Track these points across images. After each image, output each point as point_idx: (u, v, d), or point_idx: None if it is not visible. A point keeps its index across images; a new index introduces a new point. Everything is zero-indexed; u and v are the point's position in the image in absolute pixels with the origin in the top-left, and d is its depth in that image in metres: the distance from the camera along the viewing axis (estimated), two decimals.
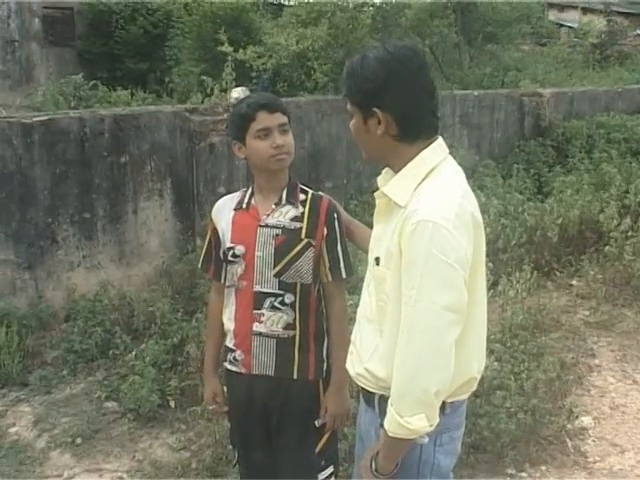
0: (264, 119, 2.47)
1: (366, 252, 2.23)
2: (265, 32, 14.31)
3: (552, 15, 31.70)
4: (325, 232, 2.54)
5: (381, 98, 1.94)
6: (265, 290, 2.53)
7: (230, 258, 2.57)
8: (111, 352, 4.82)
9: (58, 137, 5.28)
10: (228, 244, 2.58)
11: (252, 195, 2.61)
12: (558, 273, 6.54)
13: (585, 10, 32.08)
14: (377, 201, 2.10)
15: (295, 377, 2.58)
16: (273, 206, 2.55)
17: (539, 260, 6.43)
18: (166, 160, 5.92)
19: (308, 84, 11.90)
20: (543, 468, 3.83)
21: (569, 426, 4.14)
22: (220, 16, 13.96)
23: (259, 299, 2.54)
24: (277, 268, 2.51)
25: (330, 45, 12.42)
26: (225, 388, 2.78)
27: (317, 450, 2.66)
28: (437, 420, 1.87)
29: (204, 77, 7.91)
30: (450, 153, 2.05)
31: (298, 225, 2.53)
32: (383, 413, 1.93)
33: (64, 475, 3.82)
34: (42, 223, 5.26)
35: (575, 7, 32.81)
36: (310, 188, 2.66)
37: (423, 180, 1.95)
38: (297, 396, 2.59)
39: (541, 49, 23.28)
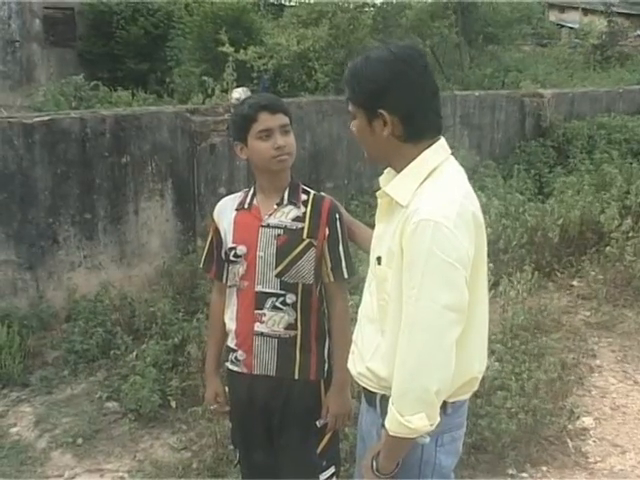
0: (265, 120, 2.48)
1: (367, 252, 2.23)
2: (266, 32, 14.30)
3: (553, 16, 31.70)
4: (327, 232, 2.54)
5: (387, 99, 1.93)
6: (267, 290, 2.53)
7: (232, 258, 2.57)
8: (112, 352, 4.82)
9: (59, 137, 5.28)
10: (230, 244, 2.58)
11: (254, 195, 2.61)
12: (559, 274, 6.54)
13: (586, 11, 32.07)
14: (379, 201, 2.10)
15: (296, 377, 2.58)
16: (275, 206, 2.55)
17: (540, 261, 6.43)
18: (167, 160, 5.93)
19: (309, 84, 11.90)
20: (544, 468, 3.83)
21: (570, 426, 4.14)
22: (221, 16, 13.96)
23: (261, 299, 2.54)
24: (279, 268, 2.52)
25: (331, 45, 12.42)
26: (226, 388, 2.78)
27: (319, 450, 2.66)
28: (438, 419, 1.88)
29: (205, 77, 7.91)
30: (451, 154, 2.05)
31: (300, 225, 2.53)
32: (384, 413, 1.93)
33: (65, 475, 3.82)
34: (43, 223, 5.26)
35: (576, 8, 32.80)
36: (311, 189, 2.66)
37: (425, 180, 1.95)
38: (298, 396, 2.59)
39: (542, 50, 23.27)
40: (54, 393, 4.64)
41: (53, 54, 19.14)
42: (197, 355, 4.44)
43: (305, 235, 2.52)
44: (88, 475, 3.83)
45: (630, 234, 6.34)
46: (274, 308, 2.53)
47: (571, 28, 28.48)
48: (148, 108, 7.23)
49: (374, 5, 15.56)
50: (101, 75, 15.28)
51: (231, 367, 2.67)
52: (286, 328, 2.54)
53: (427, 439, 1.94)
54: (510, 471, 3.77)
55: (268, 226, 2.53)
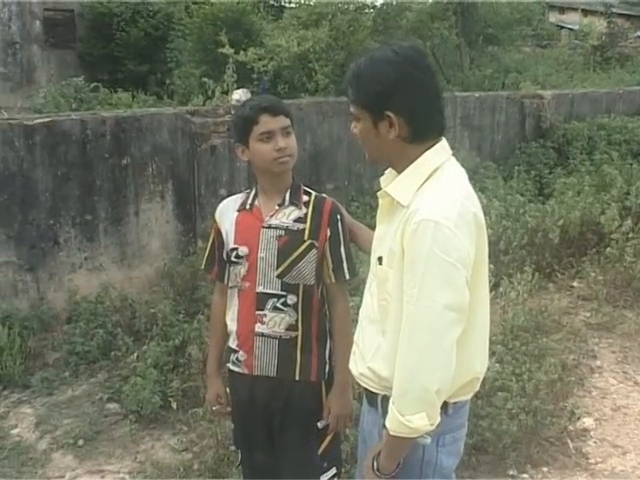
0: (267, 122, 2.48)
1: (368, 254, 2.23)
2: (266, 34, 14.29)
3: (553, 17, 31.69)
4: (328, 233, 2.55)
5: (393, 101, 1.93)
6: (268, 291, 2.53)
7: (233, 259, 2.58)
8: (113, 354, 4.82)
9: (60, 139, 5.29)
10: (232, 245, 2.58)
11: (255, 196, 2.62)
12: (559, 275, 6.55)
13: (585, 12, 32.07)
14: (380, 201, 2.10)
15: (297, 378, 2.58)
16: (276, 207, 2.55)
17: (540, 262, 6.43)
18: (167, 162, 5.94)
19: (309, 86, 11.88)
20: (544, 469, 3.83)
21: (570, 427, 4.14)
22: (221, 18, 13.95)
23: (262, 300, 2.54)
24: (280, 269, 2.52)
25: (331, 47, 12.40)
26: (228, 389, 2.78)
27: (320, 452, 2.66)
28: (438, 419, 1.88)
29: (205, 79, 7.90)
30: (452, 155, 2.05)
31: (301, 226, 2.53)
32: (386, 413, 1.93)
33: (66, 476, 3.82)
34: (44, 225, 5.27)
35: (575, 9, 32.80)
36: (312, 190, 2.66)
37: (426, 180, 1.95)
38: (299, 397, 2.59)
39: (542, 51, 23.27)
40: (55, 394, 4.64)
41: (53, 56, 19.13)
42: (198, 356, 4.44)
43: (306, 236, 2.53)
44: (89, 476, 3.83)
45: (630, 235, 6.34)
46: (275, 309, 2.53)
47: (571, 29, 28.48)
48: (148, 110, 7.23)
49: (374, 7, 15.56)
50: (101, 77, 15.26)
51: (232, 368, 2.67)
52: (287, 329, 2.54)
53: (428, 439, 1.94)
54: (511, 472, 3.77)
55: (269, 227, 2.53)
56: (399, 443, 1.93)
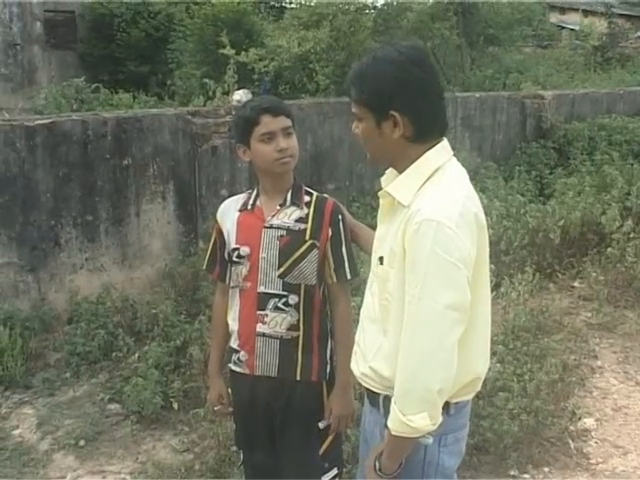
0: (268, 123, 2.48)
1: (369, 254, 2.23)
2: (267, 35, 14.29)
3: (553, 17, 31.69)
4: (330, 233, 2.55)
5: (398, 100, 1.92)
6: (269, 291, 2.54)
7: (235, 259, 2.58)
8: (114, 354, 4.82)
9: (61, 140, 5.29)
10: (233, 245, 2.59)
11: (257, 196, 2.62)
12: (560, 275, 6.55)
13: (586, 12, 32.06)
14: (380, 201, 2.10)
15: (298, 378, 2.58)
16: (278, 207, 2.56)
17: (541, 262, 6.43)
18: (168, 163, 5.94)
19: (310, 86, 11.88)
20: (546, 469, 3.83)
21: (572, 428, 4.14)
22: (222, 19, 13.95)
23: (263, 300, 2.55)
24: (281, 269, 2.52)
25: (332, 47, 12.39)
26: (229, 389, 2.78)
27: (321, 452, 2.66)
28: (440, 419, 1.88)
29: (206, 80, 7.91)
30: (453, 155, 2.05)
31: (302, 226, 2.54)
32: (388, 413, 1.93)
33: (67, 477, 3.82)
34: (45, 226, 5.27)
35: (576, 9, 32.80)
36: (313, 190, 2.67)
37: (427, 180, 1.95)
38: (300, 397, 2.59)
39: (542, 51, 23.26)
40: (56, 395, 4.65)
41: (54, 57, 19.14)
42: (199, 357, 4.45)
43: (308, 236, 2.53)
44: (90, 477, 3.83)
45: (631, 235, 6.34)
46: (276, 309, 2.54)
47: (572, 29, 28.47)
48: (149, 110, 7.23)
49: (375, 7, 15.56)
50: (102, 77, 15.26)
51: (234, 368, 2.67)
52: (288, 329, 2.55)
53: (430, 440, 1.94)
54: (512, 472, 3.77)
55: (271, 227, 2.54)
56: (401, 443, 1.93)
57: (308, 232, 2.53)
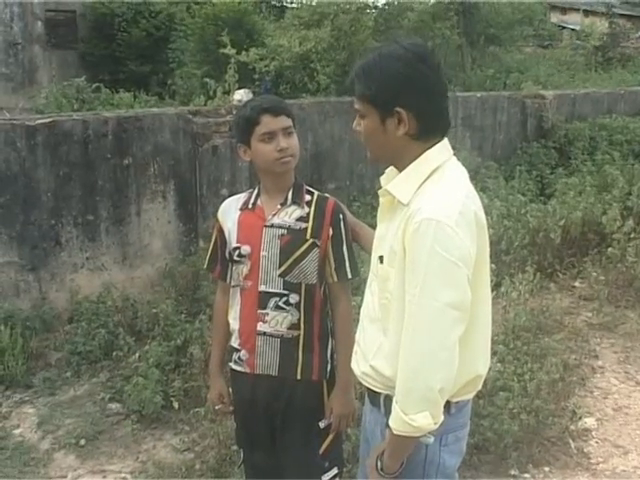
0: (268, 122, 2.48)
1: (370, 253, 2.22)
2: (268, 34, 14.29)
3: (554, 17, 31.69)
4: (330, 233, 2.55)
5: (403, 96, 1.92)
6: (270, 290, 2.54)
7: (236, 258, 2.58)
8: (115, 354, 4.82)
9: (61, 139, 5.30)
10: (234, 244, 2.59)
11: (258, 196, 2.62)
12: (561, 275, 6.55)
13: (587, 12, 32.07)
14: (380, 200, 2.10)
15: (299, 377, 2.58)
16: (279, 206, 2.56)
17: (542, 262, 6.43)
18: (169, 162, 5.94)
19: (311, 86, 11.89)
20: (546, 469, 3.83)
21: (572, 427, 4.14)
22: (222, 18, 13.95)
23: (264, 299, 2.55)
24: (282, 268, 2.52)
25: (333, 47, 12.40)
26: (230, 388, 2.79)
27: (321, 451, 2.66)
28: (441, 418, 1.88)
29: (207, 79, 7.92)
30: (453, 154, 2.05)
31: (303, 225, 2.54)
32: (389, 413, 1.93)
33: (68, 476, 3.83)
34: (46, 225, 5.27)
35: (577, 9, 32.81)
36: (315, 189, 2.67)
37: (427, 179, 1.95)
38: (301, 397, 2.59)
39: (543, 51, 23.27)
40: (57, 394, 4.65)
41: (55, 56, 19.15)
42: (200, 356, 4.45)
43: (308, 235, 2.53)
44: (91, 476, 3.83)
45: (632, 235, 6.35)
46: (277, 308, 2.54)
47: (572, 29, 28.45)
48: (150, 110, 7.24)
49: (376, 7, 15.58)
50: (103, 77, 15.26)
51: (234, 367, 2.68)
52: (289, 328, 2.55)
53: (431, 439, 1.94)
54: (512, 472, 3.77)
55: (272, 226, 2.54)
56: (402, 442, 1.93)
57: (309, 231, 2.53)
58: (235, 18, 14.09)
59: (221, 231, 2.67)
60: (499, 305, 5.22)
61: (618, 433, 4.23)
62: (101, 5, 18.45)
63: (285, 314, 2.54)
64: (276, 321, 2.54)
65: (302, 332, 2.56)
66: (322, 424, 2.63)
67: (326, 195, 2.66)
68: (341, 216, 2.58)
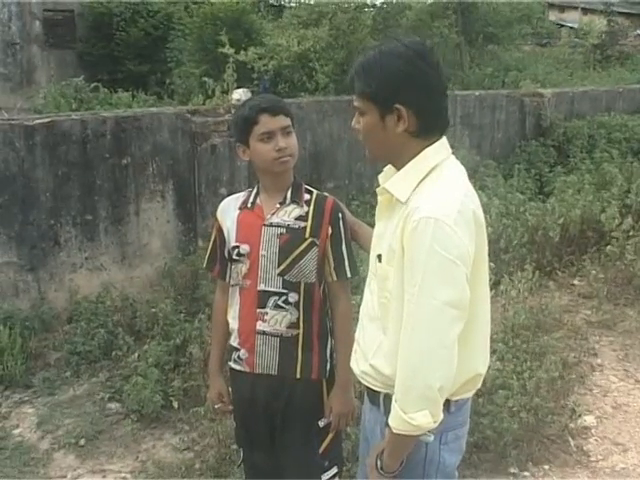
0: (266, 122, 2.48)
1: (369, 252, 2.22)
2: (266, 33, 14.30)
3: (553, 15, 31.70)
4: (329, 231, 2.55)
5: (403, 93, 1.92)
6: (269, 289, 2.54)
7: (235, 257, 2.58)
8: (114, 353, 4.83)
9: (60, 139, 5.29)
10: (233, 243, 2.59)
11: (257, 195, 2.62)
12: (560, 273, 6.55)
13: (585, 10, 32.08)
14: (379, 198, 2.10)
15: (298, 376, 2.58)
16: (278, 205, 2.56)
17: (541, 260, 6.43)
18: (168, 161, 5.94)
19: (309, 85, 11.90)
20: (546, 467, 3.83)
21: (572, 425, 4.15)
22: (221, 18, 13.96)
23: (263, 298, 2.55)
24: (281, 267, 2.52)
25: (331, 46, 12.41)
26: (230, 387, 2.79)
27: (321, 450, 2.66)
28: (441, 417, 1.88)
29: (205, 78, 7.91)
30: (452, 153, 2.05)
31: (302, 224, 2.53)
32: (388, 412, 1.93)
33: (68, 476, 3.83)
34: (44, 225, 5.27)
35: (575, 7, 32.81)
36: (314, 188, 2.67)
37: (425, 177, 1.95)
38: (300, 396, 2.59)
39: (542, 49, 23.28)
40: (56, 394, 4.65)
41: (53, 56, 19.14)
42: (199, 355, 4.45)
43: (307, 234, 2.53)
44: (91, 476, 3.83)
45: (631, 233, 6.35)
46: (276, 307, 2.54)
47: (571, 28, 28.48)
48: (148, 109, 7.24)
49: (374, 5, 15.59)
50: (101, 77, 15.27)
51: (234, 366, 2.67)
52: (288, 327, 2.55)
53: (431, 437, 1.94)
54: (512, 470, 3.77)
55: (271, 225, 2.54)
56: (402, 441, 1.93)
57: (308, 230, 2.53)
58: (233, 17, 14.09)
59: (220, 230, 2.67)
60: (498, 303, 5.23)
61: (617, 431, 4.23)
62: (99, 5, 18.45)
63: (284, 313, 2.54)
64: (275, 320, 2.54)
65: (301, 331, 2.56)
66: (322, 423, 2.63)
67: (325, 194, 2.66)
68: (340, 215, 2.58)
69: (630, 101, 11.74)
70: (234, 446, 3.54)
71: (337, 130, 7.42)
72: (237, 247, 2.57)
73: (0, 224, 5.08)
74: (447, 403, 1.94)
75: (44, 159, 5.22)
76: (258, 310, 2.55)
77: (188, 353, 4.55)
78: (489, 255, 2.07)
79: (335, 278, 2.59)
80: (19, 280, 5.20)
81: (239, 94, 7.48)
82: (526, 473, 3.78)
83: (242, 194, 2.69)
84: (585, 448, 4.03)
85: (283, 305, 2.54)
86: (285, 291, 2.53)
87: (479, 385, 2.10)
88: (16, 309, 5.04)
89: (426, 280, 1.82)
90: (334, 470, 2.70)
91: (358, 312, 2.22)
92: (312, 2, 13.89)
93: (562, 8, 33.56)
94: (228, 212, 2.65)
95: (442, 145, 2.01)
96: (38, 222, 5.23)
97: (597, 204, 6.95)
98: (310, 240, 2.53)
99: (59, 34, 19.21)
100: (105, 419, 4.36)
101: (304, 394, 2.59)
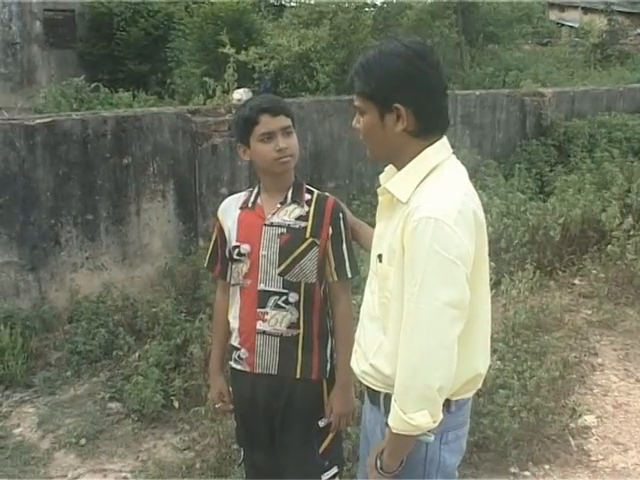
0: (267, 123, 2.48)
1: (370, 252, 2.22)
2: (267, 33, 14.31)
3: (553, 15, 31.68)
4: (330, 231, 2.55)
5: (403, 93, 1.92)
6: (269, 289, 2.54)
7: (235, 257, 2.58)
8: (115, 353, 4.83)
9: (61, 139, 5.29)
10: (234, 243, 2.59)
11: (258, 195, 2.62)
12: (560, 272, 6.55)
13: (586, 10, 32.03)
14: (379, 198, 2.10)
15: (298, 376, 2.58)
16: (278, 205, 2.56)
17: (541, 259, 6.43)
18: (168, 161, 5.94)
19: (310, 85, 11.90)
20: (546, 467, 3.83)
21: (572, 425, 4.14)
22: (221, 17, 13.97)
23: (263, 298, 2.55)
24: (281, 267, 2.52)
25: (332, 46, 12.43)
26: (230, 387, 2.79)
27: (321, 450, 2.66)
28: (440, 417, 1.88)
29: (206, 78, 7.91)
30: (452, 153, 2.05)
31: (303, 224, 2.54)
32: (388, 411, 1.93)
33: (68, 476, 3.83)
34: (45, 225, 5.27)
35: (576, 7, 32.77)
36: (315, 188, 2.67)
37: (426, 177, 1.95)
38: (300, 396, 2.59)
39: (542, 49, 23.27)
40: (57, 394, 4.65)
41: (54, 56, 19.16)
42: (199, 355, 4.45)
43: (308, 234, 2.53)
44: (91, 475, 3.83)
45: (631, 232, 6.35)
46: (277, 307, 2.54)
47: (571, 27, 28.47)
48: (149, 109, 7.24)
49: (374, 5, 15.60)
50: (102, 76, 15.29)
51: (234, 365, 2.68)
52: (288, 327, 2.55)
53: (431, 437, 1.94)
54: (512, 469, 3.77)
55: (271, 225, 2.54)
56: (402, 441, 1.93)
57: (308, 230, 2.53)
58: (234, 17, 14.11)
59: (221, 230, 2.67)
60: (499, 303, 5.23)
61: (618, 430, 4.23)
62: (100, 4, 18.48)
63: (284, 313, 2.54)
64: (275, 320, 2.54)
65: (301, 331, 2.56)
66: (322, 423, 2.63)
67: (326, 194, 2.66)
68: (341, 215, 2.58)
69: (631, 100, 11.73)
70: (235, 446, 3.54)
71: (338, 130, 7.42)
72: (238, 247, 2.57)
73: (1, 224, 5.08)
74: (447, 403, 1.95)
75: (45, 159, 5.22)
76: (258, 310, 2.55)
77: (189, 353, 4.56)
78: (490, 254, 2.07)
79: (336, 278, 2.59)
80: (20, 280, 5.20)
81: (240, 94, 7.48)
82: (527, 473, 3.78)
83: (243, 194, 2.69)
84: (586, 448, 4.03)
85: (283, 305, 2.54)
86: (285, 291, 2.53)
87: (479, 385, 2.10)
88: (17, 309, 5.04)
89: (426, 280, 1.82)
90: (334, 470, 2.70)
91: (359, 312, 2.22)
92: (313, 2, 13.90)
93: (562, 7, 33.52)
94: (229, 212, 2.65)
95: (443, 145, 2.01)
96: (39, 222, 5.24)
97: (598, 203, 6.95)
98: (311, 240, 2.52)
99: (59, 34, 19.23)
100: (106, 419, 4.36)
101: (304, 394, 2.59)
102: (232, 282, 2.66)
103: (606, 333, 5.52)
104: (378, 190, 2.08)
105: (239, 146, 2.59)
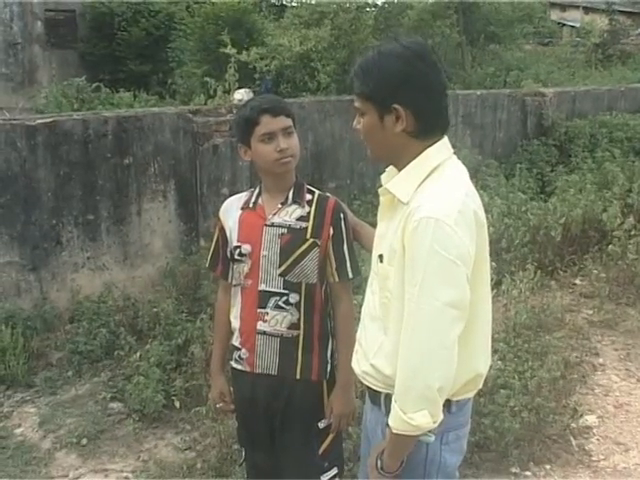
0: (268, 123, 2.48)
1: (371, 253, 2.22)
2: (268, 33, 14.31)
3: (554, 15, 31.68)
4: (331, 232, 2.55)
5: (402, 94, 1.92)
6: (270, 289, 2.54)
7: (236, 257, 2.58)
8: (116, 353, 4.83)
9: (62, 139, 5.30)
10: (235, 243, 2.59)
11: (259, 195, 2.62)
12: (561, 272, 6.54)
13: (587, 9, 32.02)
14: (381, 199, 2.10)
15: (298, 377, 2.58)
16: (279, 205, 2.56)
17: (542, 259, 6.43)
18: (169, 161, 5.94)
19: (311, 85, 11.91)
20: (547, 467, 3.83)
21: (573, 425, 4.14)
22: (222, 17, 13.98)
23: (264, 298, 2.55)
24: (282, 267, 2.52)
25: (333, 46, 12.42)
26: (231, 387, 2.79)
27: (321, 451, 2.65)
28: (441, 417, 1.88)
29: (207, 78, 7.92)
30: (453, 153, 2.05)
31: (304, 225, 2.53)
32: (389, 412, 1.93)
33: (70, 475, 3.83)
34: (46, 225, 5.27)
35: (577, 7, 32.76)
36: (316, 189, 2.67)
37: (427, 177, 1.95)
38: (300, 397, 2.59)
39: (543, 49, 23.28)
40: (58, 394, 4.65)
41: (55, 56, 19.17)
42: (200, 355, 4.45)
43: (309, 234, 2.53)
44: (92, 475, 3.84)
45: (632, 232, 6.35)
46: (277, 307, 2.54)
47: (572, 27, 28.45)
48: (150, 109, 7.24)
49: (376, 5, 15.60)
50: (103, 77, 15.30)
51: (235, 365, 2.68)
52: (289, 327, 2.55)
53: (432, 438, 1.94)
54: (514, 470, 3.77)
55: (272, 225, 2.54)
56: (402, 441, 1.93)
57: (309, 230, 2.53)
58: (235, 17, 14.11)
59: (222, 230, 2.67)
60: (500, 303, 5.23)
61: (619, 430, 4.23)
62: (101, 4, 18.48)
63: (285, 313, 2.54)
64: (276, 320, 2.54)
65: (302, 332, 2.56)
66: (322, 424, 2.63)
67: (327, 194, 2.66)
68: (342, 215, 2.58)
69: (632, 100, 11.72)
70: (236, 446, 3.54)
71: (339, 130, 7.42)
72: (239, 247, 2.57)
73: (2, 224, 5.08)
74: (448, 403, 1.95)
75: (46, 159, 5.22)
76: (259, 310, 2.56)
77: (190, 353, 4.55)
78: (491, 255, 2.07)
79: (337, 279, 2.59)
80: (21, 280, 5.21)
81: (241, 94, 7.48)
82: (527, 473, 3.78)
83: (244, 194, 2.70)
84: (587, 448, 4.03)
85: (284, 305, 2.54)
86: (286, 291, 2.53)
87: (480, 385, 2.10)
88: (18, 309, 5.05)
89: (426, 280, 1.82)
90: (334, 471, 2.70)
91: (360, 312, 2.22)
92: (314, 2, 13.89)
93: (563, 7, 33.51)
94: (230, 212, 2.66)
95: (443, 145, 2.01)
96: (40, 222, 5.24)
97: (599, 203, 6.95)
98: (311, 241, 2.52)
99: (61, 34, 19.25)
100: (107, 419, 4.36)
101: (304, 395, 2.59)
102: (233, 282, 2.66)
103: (607, 333, 5.52)
104: (379, 190, 2.08)
105: (240, 146, 2.59)
